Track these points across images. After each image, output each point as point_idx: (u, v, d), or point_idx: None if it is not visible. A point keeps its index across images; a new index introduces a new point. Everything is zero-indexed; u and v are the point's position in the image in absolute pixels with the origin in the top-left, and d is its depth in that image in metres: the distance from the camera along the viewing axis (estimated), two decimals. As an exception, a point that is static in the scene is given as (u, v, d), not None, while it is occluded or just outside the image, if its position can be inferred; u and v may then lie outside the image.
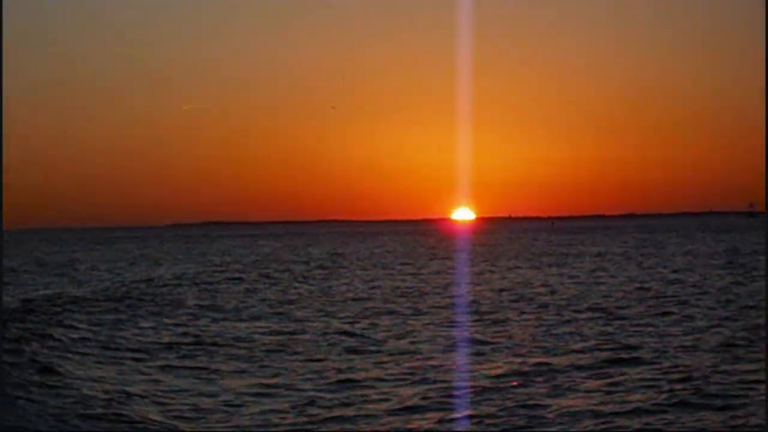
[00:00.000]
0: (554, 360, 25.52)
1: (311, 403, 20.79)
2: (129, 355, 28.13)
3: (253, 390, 22.45)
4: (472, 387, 21.93)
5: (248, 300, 46.39)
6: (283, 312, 40.36)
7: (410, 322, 35.63)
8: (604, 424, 18.22)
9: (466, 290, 50.02)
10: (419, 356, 26.96)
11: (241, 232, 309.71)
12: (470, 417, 19.02)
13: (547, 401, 20.23)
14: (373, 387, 22.46)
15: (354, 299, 45.99)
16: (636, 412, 19.12)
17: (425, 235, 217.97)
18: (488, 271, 66.80)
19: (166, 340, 31.29)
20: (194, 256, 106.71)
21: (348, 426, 18.72)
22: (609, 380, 22.50)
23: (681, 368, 23.59)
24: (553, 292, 46.86)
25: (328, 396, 21.53)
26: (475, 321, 35.35)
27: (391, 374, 24.07)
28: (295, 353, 28.25)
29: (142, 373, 24.95)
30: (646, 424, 18.27)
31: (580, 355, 26.25)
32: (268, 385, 22.96)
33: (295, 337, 31.95)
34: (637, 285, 50.02)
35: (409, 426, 18.67)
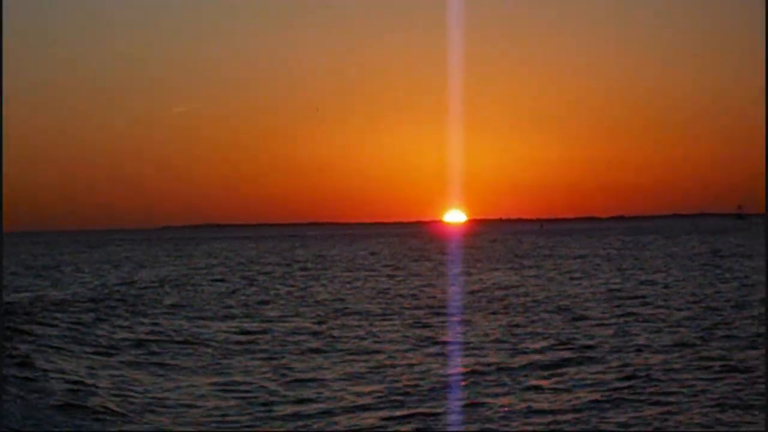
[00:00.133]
0: (510, 360, 26.23)
1: (266, 401, 21.52)
2: (101, 350, 29.02)
3: (212, 387, 23.20)
4: (424, 386, 22.65)
5: (226, 301, 47.07)
6: (255, 312, 41.06)
7: (378, 322, 36.32)
8: (545, 423, 18.92)
9: (440, 291, 50.77)
10: (379, 356, 27.65)
11: (234, 235, 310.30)
12: (417, 416, 19.71)
13: (493, 400, 20.92)
14: (327, 386, 23.17)
15: (329, 300, 46.70)
16: (576, 409, 19.84)
17: (415, 237, 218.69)
18: (467, 273, 67.52)
19: (138, 337, 32.03)
20: (180, 259, 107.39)
21: (299, 423, 19.41)
22: (557, 379, 23.21)
23: (630, 367, 24.33)
24: (525, 294, 47.59)
25: (284, 393, 22.26)
26: (442, 321, 36.07)
27: (348, 373, 24.77)
28: (259, 352, 29.02)
29: (110, 368, 25.79)
30: (583, 421, 18.98)
31: (535, 355, 26.95)
32: (227, 383, 23.69)
33: (261, 336, 32.68)
34: (610, 286, 50.79)
35: (355, 423, 19.37)
